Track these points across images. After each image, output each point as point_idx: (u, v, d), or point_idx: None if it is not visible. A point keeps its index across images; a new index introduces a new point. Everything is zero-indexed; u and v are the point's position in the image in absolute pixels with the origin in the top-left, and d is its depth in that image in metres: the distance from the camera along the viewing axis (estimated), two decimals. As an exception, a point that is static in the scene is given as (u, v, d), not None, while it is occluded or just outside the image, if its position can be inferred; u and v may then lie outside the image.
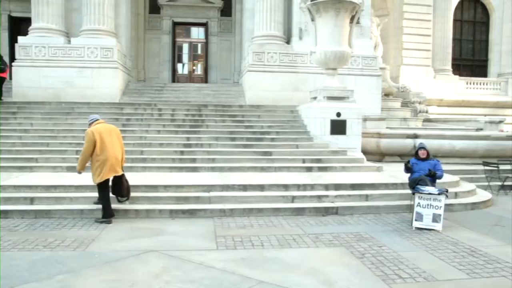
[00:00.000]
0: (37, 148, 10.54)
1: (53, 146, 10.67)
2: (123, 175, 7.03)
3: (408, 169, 7.56)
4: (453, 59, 24.13)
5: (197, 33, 22.02)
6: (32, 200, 7.38)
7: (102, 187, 6.81)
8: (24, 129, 11.69)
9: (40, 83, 14.64)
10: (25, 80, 14.60)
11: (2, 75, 14.27)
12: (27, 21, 16.06)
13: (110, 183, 6.92)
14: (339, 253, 5.53)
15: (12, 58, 15.45)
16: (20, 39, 14.93)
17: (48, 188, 7.81)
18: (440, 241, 6.11)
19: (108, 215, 6.80)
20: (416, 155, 7.64)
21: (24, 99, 14.08)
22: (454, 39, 24.23)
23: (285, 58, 15.48)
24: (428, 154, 7.52)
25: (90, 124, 6.95)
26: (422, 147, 7.60)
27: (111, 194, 6.94)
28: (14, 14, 19.47)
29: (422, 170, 7.39)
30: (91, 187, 7.80)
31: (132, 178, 8.57)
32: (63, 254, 5.23)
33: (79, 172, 6.93)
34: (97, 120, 7.02)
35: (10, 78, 15.08)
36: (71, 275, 4.57)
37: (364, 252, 5.55)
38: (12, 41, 15.64)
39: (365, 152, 11.91)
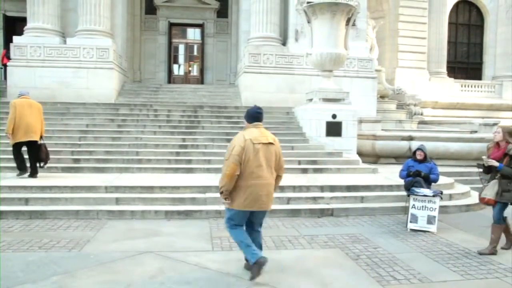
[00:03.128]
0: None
1: (48, 146, 10.57)
2: (41, 144, 8.68)
3: (409, 176, 7.44)
4: (448, 61, 24.24)
5: (193, 34, 22.00)
6: (27, 201, 7.35)
7: (15, 147, 8.57)
8: (19, 129, 11.62)
9: (35, 83, 14.56)
10: (20, 80, 14.50)
11: None
12: (22, 21, 16.00)
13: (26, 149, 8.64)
14: (334, 254, 5.55)
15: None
16: (15, 39, 14.87)
17: (43, 188, 7.78)
18: (434, 242, 6.15)
19: (19, 168, 8.56)
20: (413, 155, 7.64)
21: (19, 99, 13.99)
22: (449, 42, 24.35)
23: (281, 59, 15.51)
24: (425, 156, 7.49)
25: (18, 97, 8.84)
26: (420, 149, 7.60)
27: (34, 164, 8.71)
28: (9, 14, 19.39)
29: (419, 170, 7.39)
30: (87, 188, 7.82)
31: (128, 179, 8.61)
32: (58, 255, 5.22)
33: (6, 135, 8.62)
34: (23, 95, 8.81)
35: (5, 78, 15.00)
36: (66, 276, 4.55)
37: (359, 253, 5.57)
38: (7, 40, 15.55)
39: (360, 154, 11.95)
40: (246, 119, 4.72)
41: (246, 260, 4.67)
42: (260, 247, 4.72)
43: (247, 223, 4.68)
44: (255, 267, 4.44)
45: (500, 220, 5.66)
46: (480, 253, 5.60)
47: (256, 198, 4.41)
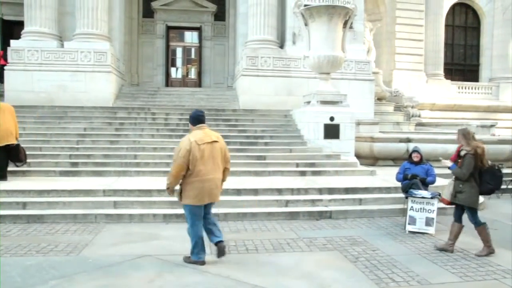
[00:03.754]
0: (29, 152, 10.37)
1: (46, 150, 10.61)
2: (18, 144, 8.86)
3: (406, 179, 7.49)
4: (445, 63, 24.34)
5: (190, 37, 22.02)
6: (24, 205, 7.32)
7: None
8: (16, 133, 11.60)
9: (33, 87, 14.55)
10: (18, 84, 14.49)
11: None
12: (19, 25, 15.97)
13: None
14: (333, 257, 5.55)
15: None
16: (13, 42, 14.84)
17: (40, 192, 7.76)
18: (433, 244, 6.15)
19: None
20: (409, 158, 7.69)
21: (17, 103, 13.86)
22: (446, 44, 24.45)
23: (278, 62, 15.53)
24: (421, 158, 7.57)
25: None
26: (415, 150, 7.65)
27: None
28: (6, 18, 19.34)
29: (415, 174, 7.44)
30: (85, 191, 7.80)
31: (126, 183, 8.59)
32: (56, 259, 5.20)
33: None
34: None
35: (2, 81, 14.98)
36: (64, 280, 4.54)
37: (358, 256, 5.57)
38: (4, 44, 15.54)
39: (358, 156, 11.97)
40: (191, 122, 5.20)
41: (191, 255, 5.17)
42: (217, 227, 5.31)
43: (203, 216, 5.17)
44: (197, 262, 5.09)
45: (478, 222, 5.74)
46: (478, 255, 5.62)
47: (207, 192, 4.96)
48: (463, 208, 5.79)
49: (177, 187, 5.09)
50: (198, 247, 5.12)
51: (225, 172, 5.28)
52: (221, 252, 5.14)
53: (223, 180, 5.29)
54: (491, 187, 5.64)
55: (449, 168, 5.83)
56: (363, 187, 8.78)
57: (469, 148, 5.58)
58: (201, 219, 5.13)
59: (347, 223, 7.38)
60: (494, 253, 5.62)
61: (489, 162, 5.64)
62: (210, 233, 5.23)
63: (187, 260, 5.19)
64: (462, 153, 5.69)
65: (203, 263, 5.09)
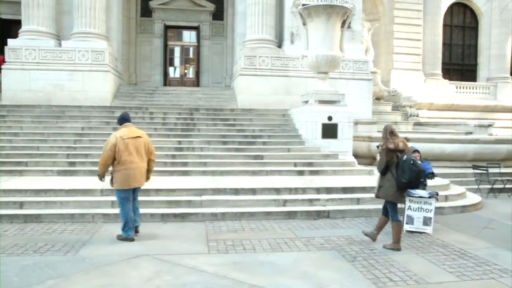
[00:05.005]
0: (27, 151, 10.45)
1: (43, 149, 10.59)
2: None
3: None
4: (443, 63, 24.35)
5: (189, 37, 21.98)
6: (21, 205, 7.31)
7: None
8: (13, 133, 11.58)
9: (30, 86, 14.51)
10: (15, 83, 14.46)
11: None
12: (17, 24, 15.91)
13: None
14: (330, 256, 5.55)
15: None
16: (10, 41, 14.80)
17: (38, 192, 7.74)
18: (430, 244, 6.16)
19: None
20: None
21: (14, 102, 13.95)
22: (444, 44, 24.46)
23: (276, 62, 15.53)
24: (420, 157, 7.62)
25: None
26: (415, 150, 7.67)
27: None
28: (4, 17, 19.28)
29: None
30: (82, 191, 7.78)
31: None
32: (54, 259, 5.19)
33: None
34: None
35: (-1, 81, 14.95)
36: (61, 280, 4.53)
37: (356, 255, 5.57)
38: (2, 43, 15.49)
39: (356, 155, 11.97)
40: (118, 122, 6.30)
41: (122, 232, 6.04)
42: (136, 211, 6.23)
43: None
44: (127, 239, 5.99)
45: (394, 217, 5.89)
46: (385, 247, 5.87)
47: (132, 178, 5.95)
48: (390, 203, 5.96)
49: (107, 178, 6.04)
50: (128, 225, 6.00)
51: (150, 162, 6.28)
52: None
53: (149, 169, 6.29)
54: (404, 181, 5.67)
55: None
56: (361, 186, 8.78)
57: (382, 143, 5.89)
58: (130, 202, 6.05)
59: (345, 223, 7.38)
60: (400, 250, 5.76)
61: (405, 157, 5.69)
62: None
63: (119, 237, 6.04)
64: (379, 149, 5.97)
65: (132, 239, 6.00)
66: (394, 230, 5.86)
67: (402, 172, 5.65)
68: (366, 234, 6.25)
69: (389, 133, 5.83)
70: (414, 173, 5.65)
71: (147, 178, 6.32)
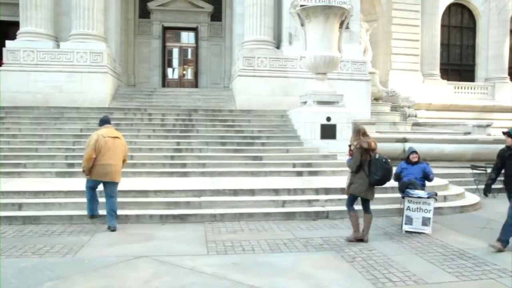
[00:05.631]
0: (25, 153, 10.43)
1: (41, 151, 10.57)
2: None
3: (398, 178, 7.57)
4: (441, 63, 24.38)
5: (187, 38, 21.99)
6: (20, 206, 7.29)
7: None
8: (12, 134, 11.56)
9: (28, 88, 14.50)
10: (13, 84, 14.44)
11: None
12: (15, 25, 15.90)
13: None
14: (329, 257, 5.55)
15: None
16: (8, 43, 14.79)
17: (36, 194, 7.73)
18: (429, 244, 6.17)
19: None
20: (407, 159, 7.72)
21: (12, 103, 13.93)
22: (442, 44, 24.51)
23: (275, 63, 15.55)
24: (418, 157, 7.63)
25: None
26: (414, 151, 7.68)
27: None
28: (2, 18, 19.28)
29: (412, 174, 7.48)
30: (81, 192, 7.76)
31: (122, 183, 8.52)
32: (52, 261, 5.18)
33: None
34: None
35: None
36: (60, 282, 4.52)
37: (355, 256, 5.57)
38: (0, 45, 15.49)
39: (355, 156, 11.95)
40: (99, 124, 7.04)
41: (87, 212, 7.05)
42: (112, 210, 6.71)
43: (106, 194, 6.77)
44: (93, 218, 7.02)
45: (349, 208, 6.29)
46: (348, 240, 6.20)
47: (106, 173, 6.63)
48: (354, 197, 6.32)
49: None
50: (91, 206, 7.00)
51: (123, 162, 6.99)
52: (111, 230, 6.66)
53: (122, 166, 7.01)
54: (377, 178, 6.07)
55: (347, 162, 6.39)
56: (359, 187, 8.76)
57: (356, 143, 6.14)
58: (93, 188, 6.92)
59: (344, 223, 7.37)
60: (366, 242, 6.12)
61: (377, 155, 6.11)
62: (108, 214, 6.71)
63: (88, 216, 7.02)
64: (352, 147, 6.24)
65: (92, 216, 6.98)
66: (366, 220, 6.30)
67: (375, 169, 6.05)
68: (356, 239, 6.22)
69: (362, 134, 6.18)
70: (387, 171, 6.10)
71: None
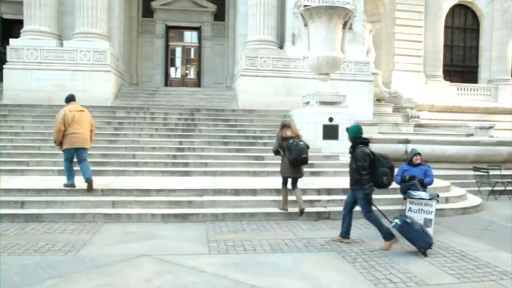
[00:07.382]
0: (28, 151, 10.47)
1: (44, 149, 10.60)
2: None
3: (404, 181, 7.50)
4: (444, 65, 24.34)
5: (190, 37, 22.02)
6: (22, 204, 7.32)
7: None
8: (15, 132, 11.60)
9: (31, 86, 14.55)
10: (17, 82, 14.50)
11: None
12: (19, 23, 15.96)
13: None
14: (331, 257, 5.55)
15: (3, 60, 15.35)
16: (12, 41, 14.84)
17: (39, 191, 7.75)
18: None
19: None
20: (409, 161, 7.69)
21: (16, 101, 13.98)
22: (445, 45, 24.46)
23: (278, 63, 15.55)
24: (420, 159, 7.60)
25: None
26: (417, 153, 7.64)
27: None
28: (5, 16, 19.33)
29: (413, 176, 7.45)
30: (83, 191, 7.80)
31: (125, 182, 8.59)
32: (54, 259, 5.20)
33: None
34: None
35: (1, 80, 14.96)
36: (62, 280, 4.54)
37: (356, 256, 5.58)
38: (3, 43, 15.54)
39: (357, 157, 11.94)
40: (65, 101, 8.06)
41: (67, 181, 7.92)
42: (86, 168, 7.81)
43: (78, 159, 7.84)
44: (71, 186, 7.87)
45: (283, 185, 7.65)
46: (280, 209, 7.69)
47: (75, 141, 7.68)
48: (293, 178, 7.64)
49: None
50: (69, 176, 7.86)
51: (91, 132, 7.98)
52: (89, 187, 7.70)
53: (91, 137, 8.02)
54: (292, 158, 7.29)
55: None
56: (361, 188, 8.75)
57: (278, 133, 7.73)
58: (71, 159, 7.82)
59: (345, 224, 7.36)
60: (287, 211, 7.58)
61: (291, 140, 7.36)
62: (82, 172, 7.75)
63: (65, 185, 7.83)
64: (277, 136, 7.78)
65: (72, 185, 7.82)
66: (283, 193, 7.69)
67: (289, 152, 7.33)
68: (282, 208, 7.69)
69: (282, 126, 7.72)
70: (298, 151, 7.28)
71: (91, 140, 8.06)
